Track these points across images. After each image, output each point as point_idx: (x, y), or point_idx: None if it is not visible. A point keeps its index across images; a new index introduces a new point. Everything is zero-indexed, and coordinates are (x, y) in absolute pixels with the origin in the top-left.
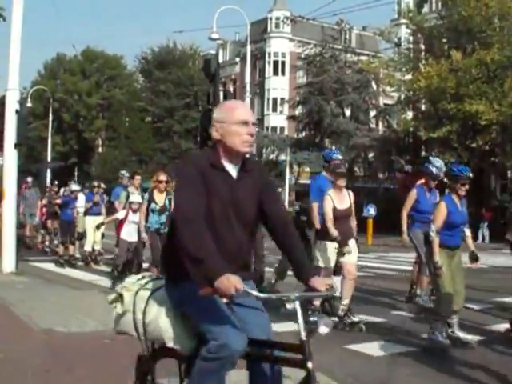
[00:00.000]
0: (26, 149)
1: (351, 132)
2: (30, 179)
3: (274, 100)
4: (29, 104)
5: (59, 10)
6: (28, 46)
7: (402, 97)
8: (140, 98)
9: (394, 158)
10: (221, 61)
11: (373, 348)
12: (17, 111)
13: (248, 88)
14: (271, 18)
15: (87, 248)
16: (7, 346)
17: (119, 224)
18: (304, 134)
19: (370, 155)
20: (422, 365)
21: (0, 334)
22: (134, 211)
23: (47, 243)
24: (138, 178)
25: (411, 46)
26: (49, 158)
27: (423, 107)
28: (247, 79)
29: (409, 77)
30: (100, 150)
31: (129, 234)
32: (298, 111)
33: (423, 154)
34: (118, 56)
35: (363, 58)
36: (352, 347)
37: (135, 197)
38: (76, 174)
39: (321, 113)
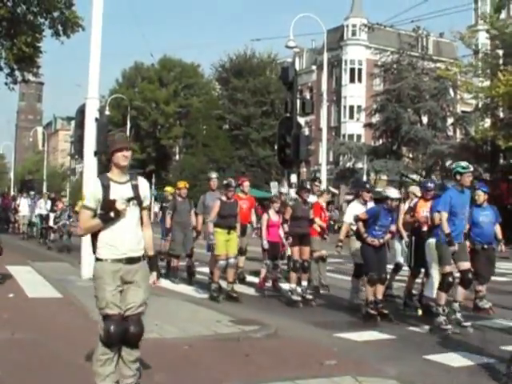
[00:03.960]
0: (104, 156)
1: (429, 140)
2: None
3: (351, 107)
4: (107, 112)
5: (138, 19)
6: (106, 55)
7: (480, 104)
8: (217, 105)
9: (473, 166)
10: (297, 68)
11: (452, 359)
12: (96, 119)
13: (325, 96)
14: (347, 26)
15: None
16: (86, 351)
17: None
18: (381, 141)
19: (448, 163)
20: (503, 377)
21: (81, 339)
22: None
23: (301, 288)
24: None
25: (489, 51)
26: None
27: (502, 114)
28: (324, 87)
29: (487, 83)
30: (177, 157)
31: None
32: (375, 119)
33: (501, 161)
34: (195, 64)
35: (440, 64)
36: (432, 357)
37: None
38: (154, 181)
39: (398, 120)
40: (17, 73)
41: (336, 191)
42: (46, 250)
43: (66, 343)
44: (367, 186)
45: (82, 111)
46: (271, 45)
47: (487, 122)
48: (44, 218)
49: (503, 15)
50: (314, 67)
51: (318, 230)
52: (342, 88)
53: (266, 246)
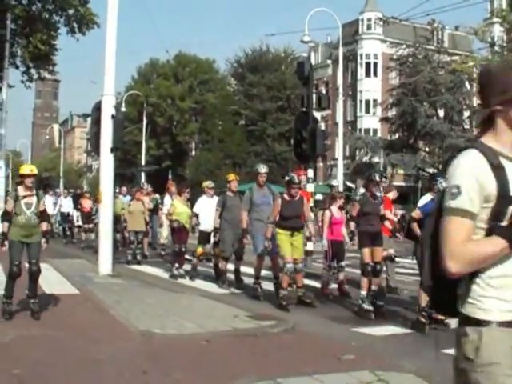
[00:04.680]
0: (120, 153)
1: (445, 133)
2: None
3: (367, 102)
4: (123, 109)
5: (152, 15)
6: (122, 52)
7: None
8: (233, 101)
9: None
10: (313, 63)
11: None
12: (113, 116)
13: (341, 90)
14: (363, 20)
15: None
16: (106, 347)
17: None
18: (397, 135)
19: None
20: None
21: (99, 336)
22: None
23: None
24: None
25: (505, 45)
26: (143, 162)
27: None
28: (339, 81)
29: None
30: (194, 153)
31: None
32: (391, 113)
33: None
34: (211, 60)
35: (456, 58)
36: (450, 352)
37: None
38: (170, 177)
39: (414, 114)
40: (33, 71)
41: (353, 186)
42: (81, 250)
43: (83, 339)
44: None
45: (98, 108)
46: (286, 40)
47: None
48: (66, 216)
49: None
50: (329, 62)
51: (390, 227)
52: (358, 82)
53: (326, 245)
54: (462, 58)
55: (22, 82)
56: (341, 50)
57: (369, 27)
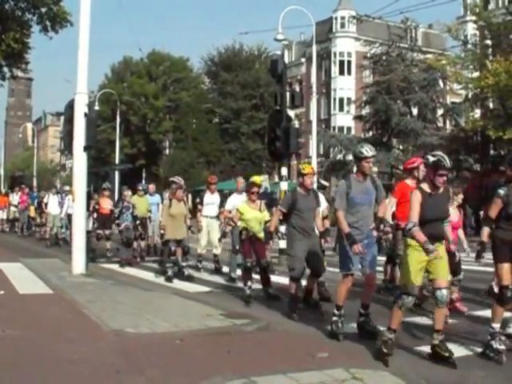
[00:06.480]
0: (94, 151)
1: (419, 131)
2: None
3: (341, 100)
4: (96, 107)
5: (126, 14)
6: (95, 50)
7: (470, 94)
8: (207, 99)
9: (463, 157)
10: (286, 61)
11: None
12: (86, 114)
13: (314, 88)
14: (336, 18)
15: None
16: (79, 346)
17: None
18: (371, 133)
19: None
20: (497, 367)
21: (72, 335)
22: None
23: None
24: None
25: (478, 42)
26: (117, 161)
27: (491, 105)
28: (313, 79)
29: (476, 74)
30: (168, 151)
31: None
32: (365, 111)
33: (492, 152)
34: (184, 58)
35: (430, 56)
36: (424, 349)
37: None
38: (144, 175)
39: (388, 112)
40: (5, 69)
41: (327, 184)
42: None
43: (57, 339)
44: None
45: (71, 106)
46: (260, 38)
47: (477, 113)
48: None
49: (492, 5)
50: (303, 60)
51: None
52: (332, 80)
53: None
54: (436, 56)
55: None
56: (314, 48)
57: (342, 25)
